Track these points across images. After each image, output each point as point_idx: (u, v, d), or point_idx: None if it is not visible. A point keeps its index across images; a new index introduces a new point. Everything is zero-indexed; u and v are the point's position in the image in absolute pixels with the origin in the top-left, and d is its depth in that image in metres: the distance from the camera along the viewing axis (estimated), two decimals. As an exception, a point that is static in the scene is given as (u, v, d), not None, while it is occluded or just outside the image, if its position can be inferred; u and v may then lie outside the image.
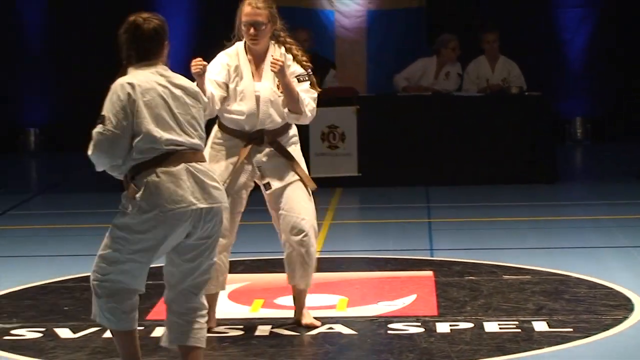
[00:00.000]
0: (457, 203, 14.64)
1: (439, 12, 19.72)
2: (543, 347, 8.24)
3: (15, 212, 14.61)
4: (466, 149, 16.07)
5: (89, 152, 6.80)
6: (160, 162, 6.72)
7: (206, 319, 7.01)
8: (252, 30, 8.56)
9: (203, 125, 7.00)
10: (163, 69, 6.92)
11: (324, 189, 15.49)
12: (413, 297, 9.78)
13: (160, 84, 6.80)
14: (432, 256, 11.53)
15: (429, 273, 10.64)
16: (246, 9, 8.61)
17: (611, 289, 9.90)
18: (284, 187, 8.73)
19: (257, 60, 8.70)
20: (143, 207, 6.69)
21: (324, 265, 11.17)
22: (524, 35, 19.54)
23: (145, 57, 6.89)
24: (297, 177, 8.79)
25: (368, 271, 10.93)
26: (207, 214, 6.78)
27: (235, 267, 10.91)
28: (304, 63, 8.74)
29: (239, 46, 8.73)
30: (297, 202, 8.74)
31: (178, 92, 6.84)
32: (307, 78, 8.70)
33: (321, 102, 15.36)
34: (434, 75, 16.92)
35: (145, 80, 6.78)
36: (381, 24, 19.97)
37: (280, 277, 10.45)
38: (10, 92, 20.64)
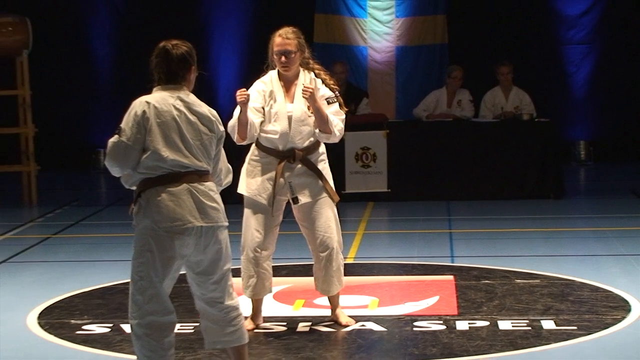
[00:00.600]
0: (475, 216, 14.60)
1: (460, 48, 19.68)
2: (550, 343, 8.22)
3: (87, 222, 14.64)
4: (483, 168, 16.03)
5: (105, 159, 6.83)
6: (165, 181, 6.64)
7: (241, 317, 6.92)
8: (283, 59, 8.59)
9: (215, 150, 6.92)
10: (185, 94, 6.80)
11: (357, 203, 15.57)
12: (436, 298, 9.76)
13: (176, 108, 6.70)
14: (452, 262, 11.50)
15: (450, 277, 10.62)
16: (277, 39, 8.66)
17: (611, 292, 9.86)
18: (312, 203, 8.69)
19: (289, 84, 8.71)
20: (145, 224, 6.66)
21: (358, 269, 11.17)
22: (534, 68, 19.49)
23: (171, 80, 6.80)
24: (324, 195, 8.72)
25: (396, 275, 10.90)
26: (205, 233, 6.69)
27: (279, 272, 10.92)
28: (332, 86, 8.76)
29: (272, 73, 8.75)
30: (324, 220, 8.71)
31: (193, 118, 6.71)
32: (335, 100, 8.71)
33: (355, 126, 15.60)
34: (446, 103, 16.92)
35: (163, 102, 6.70)
36: (408, 58, 19.96)
37: (319, 280, 10.48)
38: (84, 116, 20.71)
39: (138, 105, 6.71)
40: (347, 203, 15.65)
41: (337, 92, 8.76)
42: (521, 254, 11.87)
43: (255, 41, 20.15)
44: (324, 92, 8.69)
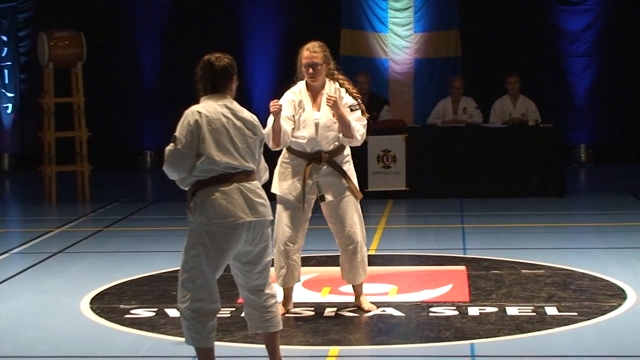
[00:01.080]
0: (485, 212, 14.58)
1: (472, 60, 19.66)
2: (554, 328, 8.21)
3: (135, 216, 14.68)
4: (492, 169, 16.01)
5: (164, 166, 6.90)
6: (217, 182, 6.70)
7: (277, 305, 6.99)
8: (310, 70, 8.62)
9: (258, 151, 6.96)
10: (229, 101, 6.84)
11: (378, 200, 15.56)
12: (449, 286, 9.75)
13: (224, 115, 6.75)
14: (464, 254, 11.48)
15: (462, 267, 10.60)
16: (305, 53, 8.67)
17: (608, 281, 9.83)
18: (338, 201, 8.71)
19: (316, 94, 8.72)
20: (202, 221, 6.70)
21: (379, 260, 11.17)
22: (539, 78, 19.44)
23: (216, 89, 6.84)
24: (348, 193, 8.73)
25: (414, 265, 10.90)
26: (254, 226, 6.75)
27: (308, 262, 10.92)
28: (355, 95, 8.76)
29: (301, 84, 8.77)
30: (349, 216, 8.74)
31: (239, 123, 6.78)
32: (357, 107, 8.70)
33: (377, 131, 15.62)
34: (452, 111, 16.93)
35: (213, 111, 6.74)
36: (425, 70, 19.96)
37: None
38: (132, 121, 20.77)
39: (190, 115, 6.74)
40: (370, 200, 15.64)
41: (359, 100, 8.77)
42: (527, 246, 11.85)
43: (286, 54, 20.18)
44: (347, 100, 8.69)
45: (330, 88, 8.70)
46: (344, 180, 8.73)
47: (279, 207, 8.65)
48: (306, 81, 8.73)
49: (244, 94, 19.75)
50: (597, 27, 20.14)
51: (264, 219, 6.83)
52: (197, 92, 6.91)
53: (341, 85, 8.76)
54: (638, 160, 19.81)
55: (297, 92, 8.75)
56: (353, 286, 8.94)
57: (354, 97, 8.74)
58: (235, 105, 6.87)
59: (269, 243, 6.92)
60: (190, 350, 7.49)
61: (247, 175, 6.81)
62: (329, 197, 8.69)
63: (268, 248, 6.90)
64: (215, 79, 6.84)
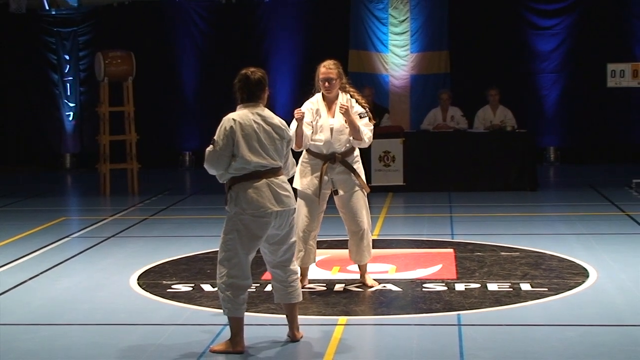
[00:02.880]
0: (470, 203, 14.52)
1: (459, 76, 19.62)
2: (528, 301, 8.17)
3: (175, 207, 14.67)
4: (476, 167, 15.96)
5: (204, 163, 6.92)
6: (249, 178, 6.79)
7: (298, 280, 7.08)
8: (326, 84, 8.65)
9: (285, 151, 7.01)
10: (261, 109, 6.91)
11: (380, 193, 15.53)
12: (439, 266, 9.71)
13: (255, 122, 6.82)
14: (452, 239, 11.43)
15: (451, 250, 10.55)
16: (322, 69, 8.69)
17: (573, 262, 9.79)
18: (349, 195, 8.72)
19: (330, 103, 8.74)
20: (236, 211, 6.77)
21: (381, 244, 11.12)
22: (516, 91, 19.35)
23: (251, 99, 6.90)
24: (357, 188, 8.75)
25: (410, 248, 10.85)
26: (280, 214, 6.83)
27: (320, 245, 10.87)
28: (363, 104, 8.79)
29: (318, 95, 8.79)
30: (358, 208, 8.77)
31: (268, 128, 6.84)
32: (365, 115, 8.75)
33: (379, 135, 15.53)
34: (442, 118, 16.92)
35: (245, 118, 6.82)
36: (419, 84, 19.91)
37: (351, 252, 10.44)
38: (173, 127, 20.75)
39: (227, 122, 6.84)
40: (372, 194, 15.48)
41: (367, 109, 8.80)
42: (505, 232, 11.79)
43: (304, 69, 20.17)
44: (357, 109, 8.71)
45: (343, 98, 8.71)
46: (354, 177, 8.75)
47: (299, 200, 8.65)
48: (322, 93, 8.74)
49: (268, 105, 19.72)
50: (564, 48, 20.08)
51: (289, 208, 6.90)
52: (235, 101, 6.97)
53: (352, 97, 8.78)
54: (598, 160, 19.80)
55: (315, 102, 8.77)
56: (359, 266, 8.92)
57: (362, 106, 8.77)
58: (267, 112, 6.93)
59: (294, 226, 7.01)
60: (221, 319, 7.48)
61: (275, 172, 6.86)
62: (341, 192, 8.71)
63: (292, 230, 6.99)
64: (251, 89, 6.91)
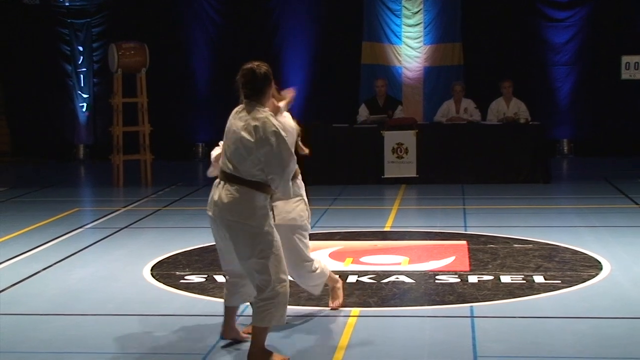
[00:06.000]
0: (483, 195, 14.51)
1: (472, 68, 19.59)
2: (541, 293, 8.17)
3: (188, 198, 14.68)
4: (489, 159, 15.93)
5: None
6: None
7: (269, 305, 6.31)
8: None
9: (260, 165, 6.34)
10: (251, 107, 6.37)
11: (393, 185, 15.53)
12: (452, 258, 9.70)
13: (239, 119, 6.40)
14: (465, 231, 11.42)
15: (464, 242, 10.55)
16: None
17: (587, 254, 9.78)
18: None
19: None
20: None
21: (393, 236, 11.13)
22: (529, 83, 19.33)
23: (252, 95, 6.41)
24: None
25: (422, 240, 10.85)
26: (214, 221, 6.46)
27: (334, 236, 10.90)
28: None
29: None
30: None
31: (240, 133, 6.32)
32: None
33: (392, 127, 15.53)
34: (455, 110, 16.90)
35: (233, 115, 6.46)
36: (433, 75, 19.88)
37: (364, 243, 10.44)
38: (186, 119, 20.77)
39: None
40: (385, 185, 15.63)
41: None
42: (518, 225, 11.78)
43: (318, 61, 20.19)
44: None
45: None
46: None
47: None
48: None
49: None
50: (577, 40, 20.02)
51: (216, 217, 6.40)
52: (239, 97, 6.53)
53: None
54: (611, 152, 19.73)
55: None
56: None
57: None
58: (255, 112, 6.35)
59: (250, 252, 6.28)
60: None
61: (230, 178, 6.36)
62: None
63: (246, 254, 6.29)
64: (256, 85, 6.42)
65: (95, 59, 21.02)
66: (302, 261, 7.26)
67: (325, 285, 7.62)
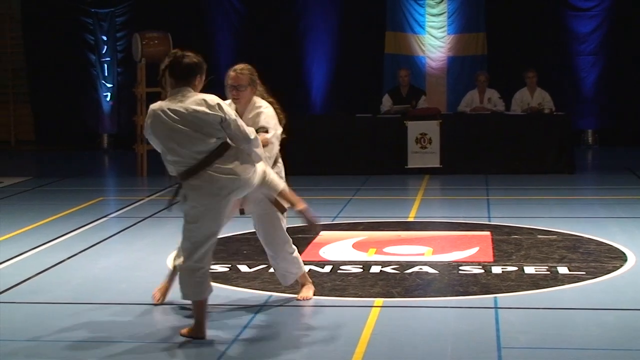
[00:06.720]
0: (507, 186, 14.46)
1: (496, 58, 19.54)
2: (565, 284, 8.13)
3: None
4: (513, 149, 15.89)
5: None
6: None
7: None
8: (234, 92, 7.60)
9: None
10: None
11: (417, 175, 15.52)
12: (476, 249, 9.68)
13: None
14: (489, 221, 11.39)
15: (487, 233, 10.52)
16: (231, 74, 7.62)
17: (611, 245, 9.73)
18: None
19: (240, 114, 7.44)
20: None
21: (417, 226, 11.12)
22: (554, 73, 19.26)
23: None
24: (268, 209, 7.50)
25: (446, 231, 10.83)
26: None
27: (357, 227, 10.90)
28: (280, 116, 7.59)
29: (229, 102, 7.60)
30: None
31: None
32: (265, 130, 7.36)
33: (415, 117, 15.55)
34: (479, 100, 16.89)
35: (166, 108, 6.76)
36: (456, 65, 19.85)
37: (388, 234, 10.43)
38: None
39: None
40: (409, 175, 15.61)
41: (275, 122, 7.45)
42: (542, 215, 11.74)
43: (341, 50, 20.16)
44: (261, 123, 7.39)
45: (251, 112, 7.49)
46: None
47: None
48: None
49: (303, 85, 19.74)
50: (603, 30, 19.94)
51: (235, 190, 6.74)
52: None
53: (271, 104, 7.54)
54: (637, 143, 19.64)
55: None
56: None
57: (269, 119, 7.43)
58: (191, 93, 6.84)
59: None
60: (257, 299, 7.52)
61: (202, 164, 6.65)
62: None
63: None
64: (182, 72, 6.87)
65: (119, 49, 21.08)
66: (283, 241, 7.51)
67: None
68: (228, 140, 6.59)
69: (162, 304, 7.61)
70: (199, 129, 6.52)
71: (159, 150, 6.78)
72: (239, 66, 7.56)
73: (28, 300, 7.87)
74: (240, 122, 6.68)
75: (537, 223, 11.06)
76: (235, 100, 7.52)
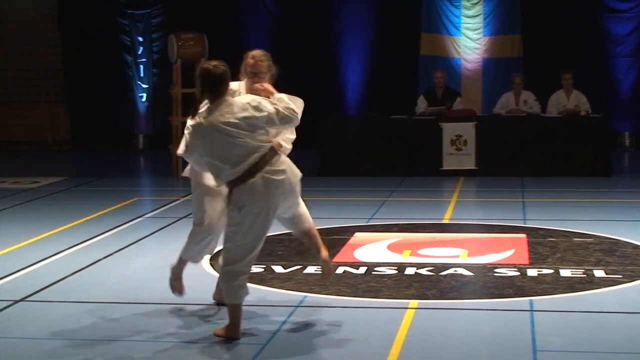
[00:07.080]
0: (543, 188, 14.41)
1: (532, 60, 19.47)
2: (601, 287, 8.09)
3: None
4: (549, 152, 15.82)
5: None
6: None
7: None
8: (255, 78, 7.46)
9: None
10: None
11: (452, 177, 15.48)
12: (512, 251, 9.65)
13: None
14: (525, 224, 11.35)
15: (523, 235, 10.48)
16: (250, 61, 7.60)
17: (649, 249, 9.69)
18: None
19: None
20: None
21: (452, 228, 11.10)
22: (590, 75, 19.15)
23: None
24: None
25: (481, 233, 10.80)
26: None
27: (392, 228, 10.89)
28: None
29: (241, 83, 7.61)
30: None
31: None
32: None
33: (451, 119, 15.53)
34: (514, 102, 16.84)
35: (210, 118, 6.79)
36: (492, 67, 19.80)
37: (423, 236, 10.42)
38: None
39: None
40: (444, 177, 15.58)
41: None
42: (578, 218, 11.68)
43: (376, 52, 20.15)
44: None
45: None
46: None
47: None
48: (247, 85, 7.52)
49: (339, 86, 19.74)
50: (640, 32, 19.86)
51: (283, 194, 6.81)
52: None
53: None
54: (674, 146, 19.53)
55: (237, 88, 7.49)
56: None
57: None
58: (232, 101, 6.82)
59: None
60: (291, 300, 7.53)
61: (253, 169, 6.70)
62: None
63: None
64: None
65: (155, 50, 21.19)
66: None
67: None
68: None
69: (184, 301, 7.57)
70: (251, 134, 6.60)
71: (199, 166, 6.93)
72: (257, 52, 7.52)
73: (64, 299, 7.92)
74: (286, 100, 6.88)
75: (573, 226, 11.01)
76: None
